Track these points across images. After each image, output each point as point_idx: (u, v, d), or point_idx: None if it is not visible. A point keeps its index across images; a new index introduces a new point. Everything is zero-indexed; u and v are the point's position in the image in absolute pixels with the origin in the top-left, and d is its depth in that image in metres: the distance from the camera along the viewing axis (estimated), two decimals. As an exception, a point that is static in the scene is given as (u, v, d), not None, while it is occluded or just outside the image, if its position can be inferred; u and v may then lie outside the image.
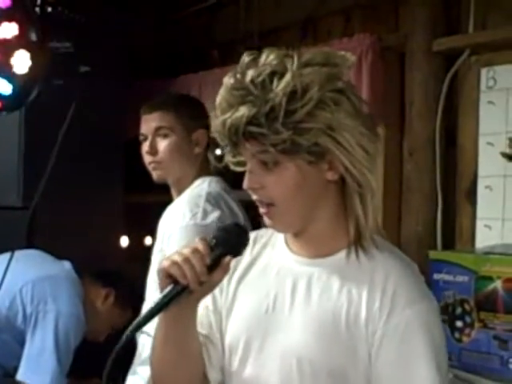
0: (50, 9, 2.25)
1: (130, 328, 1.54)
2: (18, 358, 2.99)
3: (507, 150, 2.62)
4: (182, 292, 1.56)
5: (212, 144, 2.57)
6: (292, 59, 1.55)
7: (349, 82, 1.62)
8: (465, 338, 2.68)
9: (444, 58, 3.17)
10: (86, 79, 2.42)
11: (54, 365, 3.00)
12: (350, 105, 1.57)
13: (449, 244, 3.16)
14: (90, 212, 3.73)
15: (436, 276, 2.76)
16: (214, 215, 2.45)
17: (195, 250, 1.54)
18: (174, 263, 1.54)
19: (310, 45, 3.58)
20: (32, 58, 2.18)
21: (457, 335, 2.69)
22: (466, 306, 2.68)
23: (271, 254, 1.74)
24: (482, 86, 3.08)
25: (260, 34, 3.97)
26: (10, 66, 2.17)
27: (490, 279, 2.61)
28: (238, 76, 1.56)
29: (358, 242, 1.62)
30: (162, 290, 1.56)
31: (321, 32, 3.77)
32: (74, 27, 2.42)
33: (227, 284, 1.74)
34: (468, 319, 2.67)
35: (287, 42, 3.69)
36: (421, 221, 3.22)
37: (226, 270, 1.59)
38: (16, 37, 2.16)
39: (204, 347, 1.72)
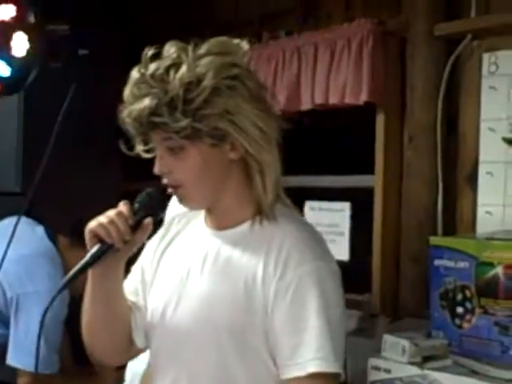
0: None
1: (64, 280, 1.78)
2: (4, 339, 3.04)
3: (509, 135, 2.63)
4: (107, 250, 1.76)
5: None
6: (188, 52, 1.72)
7: (244, 68, 1.78)
8: (465, 325, 2.69)
9: (445, 42, 3.19)
10: (85, 63, 2.42)
11: (41, 345, 3.04)
12: (246, 89, 1.74)
13: (449, 230, 3.19)
14: (88, 198, 3.63)
15: (437, 262, 2.77)
16: None
17: (119, 213, 1.74)
18: (100, 224, 1.73)
19: (310, 30, 3.65)
20: (30, 40, 2.20)
21: (457, 321, 2.71)
22: (467, 292, 2.68)
23: (192, 228, 1.93)
24: (484, 72, 3.09)
25: (260, 19, 3.97)
26: (8, 48, 2.20)
27: (491, 265, 2.60)
28: (142, 70, 1.73)
29: (259, 213, 1.81)
30: (89, 248, 1.76)
31: (321, 17, 3.77)
32: (72, 10, 2.42)
33: (153, 254, 1.94)
34: (469, 305, 2.67)
35: (288, 27, 3.79)
36: (421, 207, 3.26)
37: (146, 230, 1.80)
38: (14, 18, 2.18)
39: (131, 313, 1.91)
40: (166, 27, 4.20)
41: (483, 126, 3.10)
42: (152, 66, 1.71)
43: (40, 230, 3.26)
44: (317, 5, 3.78)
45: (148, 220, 1.80)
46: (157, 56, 1.73)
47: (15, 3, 2.18)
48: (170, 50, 1.74)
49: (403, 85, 3.36)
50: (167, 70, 1.70)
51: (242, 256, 1.81)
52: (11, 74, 2.22)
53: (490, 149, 3.05)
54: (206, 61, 1.71)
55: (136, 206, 1.80)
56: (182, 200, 1.83)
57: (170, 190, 1.81)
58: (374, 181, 3.48)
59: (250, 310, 1.77)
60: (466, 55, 3.16)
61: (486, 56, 3.09)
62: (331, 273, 1.79)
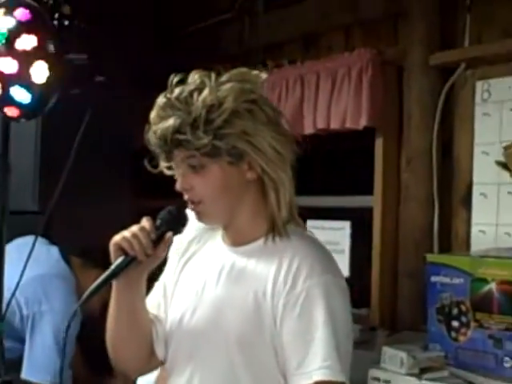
0: (66, 22, 2.29)
1: (86, 293, 1.73)
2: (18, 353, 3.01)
3: (501, 159, 2.64)
4: (131, 262, 1.75)
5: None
6: (211, 78, 1.77)
7: (262, 95, 1.81)
8: (461, 338, 2.68)
9: (440, 71, 3.20)
10: (101, 89, 2.43)
11: (55, 361, 3.00)
12: (263, 114, 1.77)
13: (445, 248, 3.18)
14: (102, 215, 3.70)
15: (433, 278, 2.76)
16: None
17: (142, 228, 1.76)
18: (124, 238, 1.74)
19: (312, 59, 3.68)
20: (50, 69, 2.19)
21: (453, 335, 2.70)
22: (463, 307, 2.67)
23: (210, 246, 1.93)
24: (477, 99, 3.10)
25: (264, 48, 4.01)
26: (29, 76, 2.17)
27: (485, 281, 2.60)
28: (168, 95, 1.77)
29: (272, 230, 1.82)
30: (113, 260, 1.75)
31: (322, 47, 3.80)
32: (90, 39, 2.42)
33: (173, 271, 1.95)
34: (464, 319, 2.67)
35: (291, 56, 3.82)
36: (418, 226, 3.25)
37: (167, 244, 1.81)
38: (35, 48, 2.17)
39: (153, 325, 1.90)
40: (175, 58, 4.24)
41: (477, 150, 3.10)
42: (177, 90, 1.76)
43: (55, 250, 3.24)
44: (318, 35, 3.80)
45: (169, 234, 1.81)
46: (181, 82, 1.78)
47: (36, 34, 2.16)
48: (194, 76, 1.78)
49: (400, 111, 3.37)
50: (191, 93, 1.74)
51: (254, 268, 1.82)
52: (31, 101, 2.19)
53: (483, 171, 3.05)
54: (227, 86, 1.75)
55: (158, 221, 1.81)
56: (200, 216, 1.84)
57: (190, 206, 1.82)
58: (373, 201, 3.48)
59: (257, 321, 1.77)
60: (460, 83, 3.16)
61: (479, 84, 3.10)
62: (339, 286, 1.79)
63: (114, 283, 1.81)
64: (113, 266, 1.77)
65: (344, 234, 3.70)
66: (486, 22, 3.07)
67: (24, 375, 2.98)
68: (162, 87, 4.30)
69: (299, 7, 3.80)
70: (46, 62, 2.19)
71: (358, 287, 3.56)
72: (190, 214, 1.88)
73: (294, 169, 1.86)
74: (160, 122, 1.77)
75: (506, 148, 2.63)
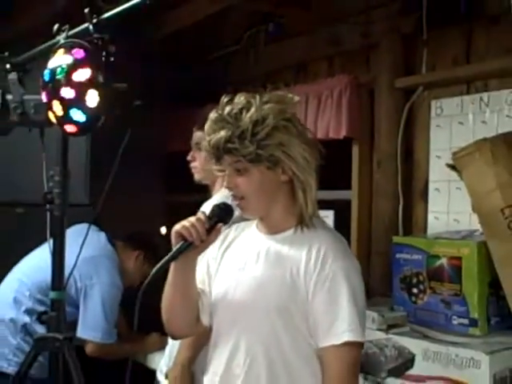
0: (112, 58, 2.25)
1: (155, 269, 1.70)
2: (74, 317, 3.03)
3: (451, 162, 2.59)
4: (188, 246, 1.72)
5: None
6: (256, 98, 1.74)
7: (294, 114, 1.80)
8: (419, 301, 2.65)
9: (403, 92, 3.18)
10: (138, 109, 2.44)
11: (103, 322, 3.04)
12: (295, 129, 1.76)
13: (408, 232, 3.16)
14: (139, 207, 3.73)
15: (398, 255, 2.74)
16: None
17: (198, 219, 1.73)
18: (184, 226, 1.71)
19: (302, 83, 3.65)
20: (99, 95, 2.19)
21: (413, 299, 2.67)
22: (420, 277, 2.64)
23: (247, 233, 1.90)
24: (432, 114, 3.09)
25: (265, 74, 3.96)
26: (84, 101, 2.18)
27: (438, 257, 2.57)
28: (219, 111, 1.75)
29: (301, 222, 1.79)
30: (174, 245, 1.72)
31: (310, 73, 3.75)
32: (129, 71, 2.44)
33: (217, 252, 1.91)
34: (421, 287, 2.63)
35: (285, 80, 3.81)
36: (386, 215, 3.24)
37: (218, 232, 1.77)
38: (88, 80, 2.18)
39: (199, 297, 1.86)
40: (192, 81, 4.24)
41: (432, 154, 3.09)
42: (227, 108, 1.74)
43: (103, 235, 3.23)
44: (306, 64, 3.73)
45: (219, 225, 1.78)
46: (228, 102, 1.76)
47: (90, 67, 2.17)
48: (241, 97, 1.76)
49: (372, 124, 3.35)
50: (240, 110, 1.73)
51: (288, 252, 1.78)
52: (86, 120, 2.20)
53: (437, 171, 3.04)
54: (269, 106, 1.73)
55: (210, 214, 1.79)
56: (243, 210, 1.81)
57: (235, 202, 1.80)
58: (351, 195, 3.46)
59: (293, 293, 1.74)
60: (419, 102, 3.14)
61: (433, 102, 3.08)
62: (356, 269, 1.79)
63: (173, 263, 1.76)
64: (174, 249, 1.74)
65: (328, 221, 3.51)
66: (438, 54, 3.04)
67: (79, 334, 3.00)
68: (187, 103, 4.23)
69: (292, 42, 3.73)
70: (97, 90, 2.19)
71: None
72: (234, 207, 1.85)
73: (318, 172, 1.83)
74: (213, 133, 1.74)
75: (454, 154, 2.56)
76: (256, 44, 4.00)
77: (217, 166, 1.80)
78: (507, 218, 2.34)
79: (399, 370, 2.45)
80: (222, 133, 1.72)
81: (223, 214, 1.80)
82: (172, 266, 1.78)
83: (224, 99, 1.77)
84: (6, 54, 2.62)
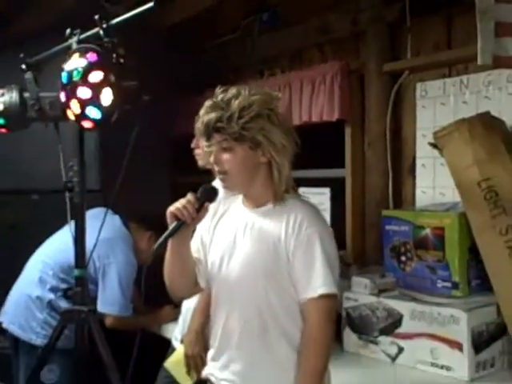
0: (122, 60, 2.41)
1: (156, 245, 1.94)
2: (94, 294, 3.18)
3: (432, 141, 2.74)
4: (182, 225, 1.95)
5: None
6: (245, 90, 1.97)
7: (277, 106, 2.01)
8: (407, 268, 2.76)
9: (391, 76, 3.28)
10: (147, 103, 2.49)
11: (120, 297, 3.20)
12: (276, 119, 1.97)
13: (398, 205, 3.28)
14: (148, 190, 3.84)
15: (387, 227, 2.85)
16: None
17: (188, 200, 1.95)
18: (177, 208, 1.94)
19: (297, 69, 3.73)
20: (113, 94, 2.34)
21: (402, 266, 2.78)
22: (408, 246, 2.76)
23: (235, 208, 2.11)
24: (418, 96, 3.19)
25: (262, 61, 4.07)
26: (99, 100, 2.32)
27: (423, 228, 2.68)
28: (214, 99, 1.97)
29: (277, 197, 2.01)
30: (169, 224, 1.95)
31: (304, 60, 3.84)
32: (138, 70, 2.52)
33: (209, 225, 2.11)
34: (409, 255, 2.75)
35: (281, 67, 3.96)
36: (378, 190, 3.37)
37: (206, 211, 1.98)
38: (102, 80, 2.32)
39: (195, 264, 2.09)
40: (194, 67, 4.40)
41: (418, 133, 3.20)
42: (220, 95, 1.96)
43: (117, 218, 3.36)
44: (300, 51, 3.83)
45: (207, 204, 1.98)
46: (222, 91, 1.98)
47: (102, 70, 2.32)
48: (233, 89, 1.98)
49: (363, 107, 3.43)
50: (230, 98, 1.94)
51: (269, 224, 1.99)
52: (101, 117, 2.35)
53: (423, 149, 3.13)
54: (255, 97, 1.95)
55: (198, 195, 1.98)
56: (226, 185, 2.02)
57: (219, 176, 2.00)
58: (345, 173, 3.55)
59: (277, 259, 1.95)
60: (405, 85, 3.24)
61: (418, 85, 3.18)
62: (328, 232, 2.01)
63: (170, 240, 1.97)
64: (170, 228, 1.95)
65: (326, 198, 3.75)
66: (422, 40, 3.14)
67: (98, 308, 3.13)
68: (189, 91, 4.33)
69: (286, 30, 3.82)
70: (110, 88, 2.34)
71: (336, 235, 3.65)
72: (218, 186, 2.06)
73: (294, 155, 2.02)
74: (206, 115, 1.95)
75: (435, 133, 2.70)
76: (252, 33, 4.06)
77: (206, 143, 1.99)
78: (483, 191, 2.52)
79: (389, 329, 2.64)
80: (213, 114, 1.94)
81: (209, 195, 2.01)
82: (170, 241, 1.99)
83: (218, 89, 1.99)
84: (22, 55, 2.76)
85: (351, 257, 3.53)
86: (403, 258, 2.79)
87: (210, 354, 2.11)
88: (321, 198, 3.77)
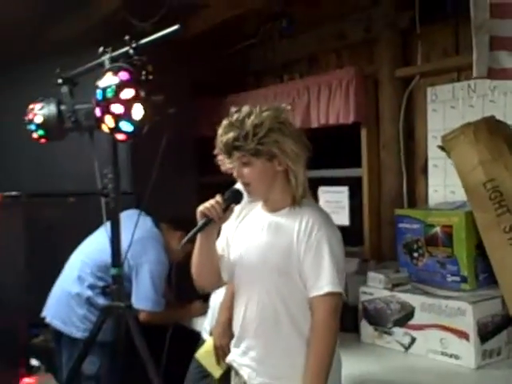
0: (150, 77, 2.57)
1: (185, 239, 2.15)
2: (128, 291, 3.27)
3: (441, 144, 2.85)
4: (209, 222, 2.14)
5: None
6: (256, 108, 2.13)
7: (287, 119, 2.16)
8: (419, 263, 2.88)
9: (403, 81, 3.38)
10: (173, 117, 2.65)
11: (152, 294, 3.32)
12: (288, 130, 2.13)
13: (412, 203, 3.39)
14: (176, 191, 3.90)
15: (400, 225, 2.97)
16: None
17: (217, 201, 2.14)
18: (206, 207, 2.13)
19: (315, 74, 3.85)
20: (143, 108, 2.49)
21: (414, 261, 2.89)
22: (419, 243, 2.87)
23: (255, 212, 2.26)
24: (428, 100, 3.29)
25: (281, 66, 4.18)
26: (131, 115, 2.48)
27: (433, 226, 2.80)
28: (229, 118, 2.13)
29: (293, 202, 2.17)
30: (199, 221, 2.13)
31: (321, 64, 3.96)
32: (164, 80, 2.64)
33: (233, 225, 2.28)
34: (420, 251, 2.86)
35: (300, 71, 4.10)
36: (393, 189, 3.48)
37: (232, 211, 2.17)
38: (133, 97, 2.47)
39: (220, 260, 2.26)
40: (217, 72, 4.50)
41: (429, 135, 3.31)
42: (235, 116, 2.12)
43: (149, 219, 3.47)
44: (318, 56, 3.96)
45: (232, 205, 2.17)
46: (236, 111, 2.13)
47: (133, 87, 2.47)
48: (245, 108, 2.14)
49: (377, 110, 3.54)
50: (244, 117, 2.10)
51: (284, 226, 2.14)
52: (133, 130, 2.50)
53: (434, 150, 3.18)
54: (266, 113, 2.11)
55: (225, 197, 2.16)
56: (250, 193, 2.18)
57: (244, 187, 2.17)
58: (362, 172, 3.66)
59: (289, 258, 2.10)
60: (417, 89, 3.34)
61: (429, 89, 3.28)
62: (337, 236, 2.14)
63: (199, 235, 2.16)
64: (199, 224, 2.14)
65: (344, 195, 3.83)
66: (431, 46, 3.26)
67: (133, 304, 3.19)
68: (213, 95, 4.36)
69: (304, 36, 3.94)
70: (141, 104, 2.51)
71: (355, 232, 3.78)
72: (243, 190, 2.22)
73: (308, 161, 2.17)
74: (224, 135, 2.11)
75: (443, 137, 2.80)
76: (272, 38, 4.18)
77: (228, 160, 2.17)
78: (488, 191, 2.64)
79: (402, 321, 2.78)
80: (231, 134, 2.10)
81: (235, 198, 2.19)
82: (198, 237, 2.18)
83: (232, 109, 2.16)
84: (58, 70, 2.95)
85: (369, 252, 3.63)
86: (415, 254, 2.91)
87: (233, 341, 2.29)
88: (340, 196, 3.87)
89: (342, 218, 3.80)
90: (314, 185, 3.57)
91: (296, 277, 2.12)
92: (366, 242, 3.69)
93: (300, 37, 4.01)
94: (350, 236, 3.45)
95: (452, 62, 3.18)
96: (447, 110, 3.23)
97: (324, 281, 2.08)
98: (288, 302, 2.13)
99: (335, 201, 3.85)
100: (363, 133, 3.65)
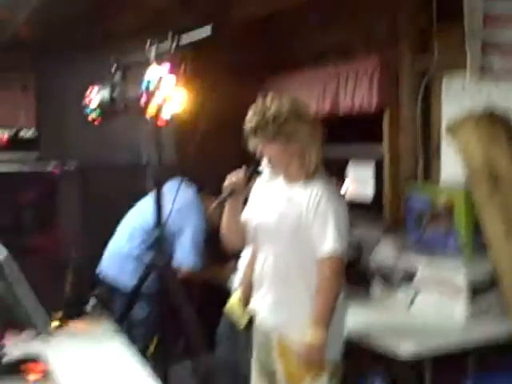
0: (190, 68, 2.88)
1: (214, 204, 2.56)
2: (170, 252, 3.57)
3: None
4: (234, 191, 2.52)
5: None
6: (277, 99, 2.46)
7: (304, 108, 2.48)
8: (425, 234, 3.25)
9: (421, 71, 3.56)
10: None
11: (192, 254, 3.70)
12: (304, 118, 2.47)
13: (426, 179, 3.56)
14: (216, 162, 3.95)
15: (411, 200, 3.33)
16: None
17: (239, 175, 2.52)
18: (231, 178, 2.52)
19: (344, 63, 4.02)
20: (182, 98, 2.90)
21: (421, 232, 3.25)
22: (426, 216, 3.23)
23: (277, 182, 2.57)
24: (443, 88, 3.49)
25: (314, 55, 4.30)
26: (171, 104, 2.86)
27: (438, 202, 3.13)
28: (254, 108, 2.48)
29: (307, 177, 2.48)
30: (225, 190, 2.51)
31: (350, 54, 4.05)
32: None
33: (257, 194, 2.59)
34: (427, 223, 3.22)
35: (331, 60, 4.19)
36: (410, 167, 3.69)
37: (254, 182, 2.52)
38: (173, 87, 2.86)
39: (245, 224, 2.59)
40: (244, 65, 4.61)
41: (444, 119, 3.47)
42: (260, 106, 2.47)
43: (190, 188, 3.81)
44: (347, 47, 4.11)
45: (254, 176, 2.54)
46: (261, 101, 2.46)
47: (174, 75, 2.81)
48: (268, 98, 2.49)
49: (398, 96, 3.74)
50: (265, 109, 2.45)
51: (298, 196, 2.46)
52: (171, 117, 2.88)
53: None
54: (285, 104, 2.46)
55: (248, 169, 2.53)
56: (271, 167, 2.53)
57: (267, 164, 2.52)
58: (383, 151, 3.90)
59: (300, 223, 2.40)
60: (433, 78, 3.53)
61: (444, 79, 3.48)
62: (343, 206, 2.45)
63: (228, 202, 2.55)
64: (225, 193, 2.53)
65: (370, 171, 4.24)
66: (447, 42, 3.36)
67: (174, 264, 3.60)
68: (253, 78, 4.43)
69: (335, 27, 4.13)
70: (181, 93, 2.86)
71: (377, 200, 4.12)
72: (265, 166, 2.56)
73: (323, 143, 2.47)
74: (250, 122, 2.46)
75: (447, 125, 3.07)
76: (303, 28, 4.36)
77: (253, 144, 2.50)
78: (485, 173, 2.94)
79: (408, 278, 3.17)
80: (254, 122, 2.45)
81: (257, 171, 2.55)
82: (226, 203, 2.55)
83: (259, 99, 2.48)
84: (113, 59, 3.36)
85: (389, 221, 3.87)
86: (422, 225, 3.28)
87: (254, 288, 2.64)
88: (366, 170, 4.28)
89: (368, 190, 4.27)
90: (344, 162, 3.89)
91: (305, 239, 2.42)
92: (386, 210, 3.90)
93: (331, 28, 4.21)
94: (373, 205, 4.03)
95: (465, 55, 3.23)
96: (459, 98, 3.41)
97: (329, 245, 2.38)
98: (298, 258, 2.46)
99: (363, 174, 4.31)
100: (386, 117, 3.86)
